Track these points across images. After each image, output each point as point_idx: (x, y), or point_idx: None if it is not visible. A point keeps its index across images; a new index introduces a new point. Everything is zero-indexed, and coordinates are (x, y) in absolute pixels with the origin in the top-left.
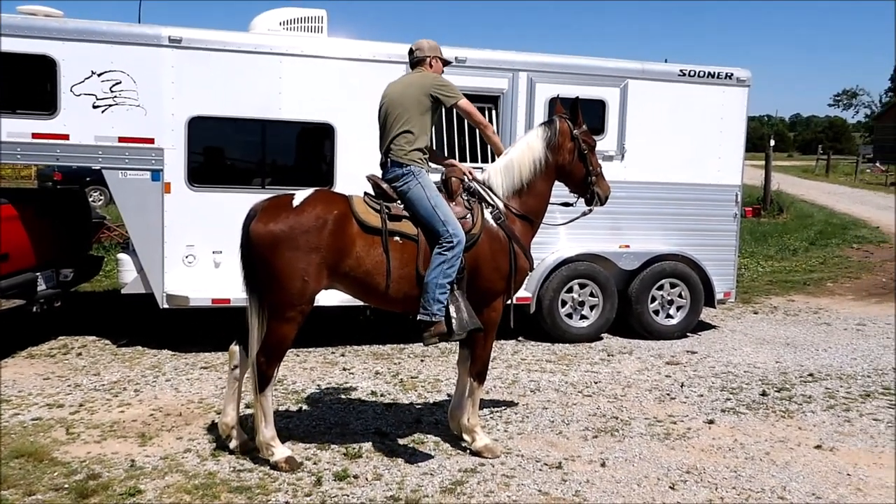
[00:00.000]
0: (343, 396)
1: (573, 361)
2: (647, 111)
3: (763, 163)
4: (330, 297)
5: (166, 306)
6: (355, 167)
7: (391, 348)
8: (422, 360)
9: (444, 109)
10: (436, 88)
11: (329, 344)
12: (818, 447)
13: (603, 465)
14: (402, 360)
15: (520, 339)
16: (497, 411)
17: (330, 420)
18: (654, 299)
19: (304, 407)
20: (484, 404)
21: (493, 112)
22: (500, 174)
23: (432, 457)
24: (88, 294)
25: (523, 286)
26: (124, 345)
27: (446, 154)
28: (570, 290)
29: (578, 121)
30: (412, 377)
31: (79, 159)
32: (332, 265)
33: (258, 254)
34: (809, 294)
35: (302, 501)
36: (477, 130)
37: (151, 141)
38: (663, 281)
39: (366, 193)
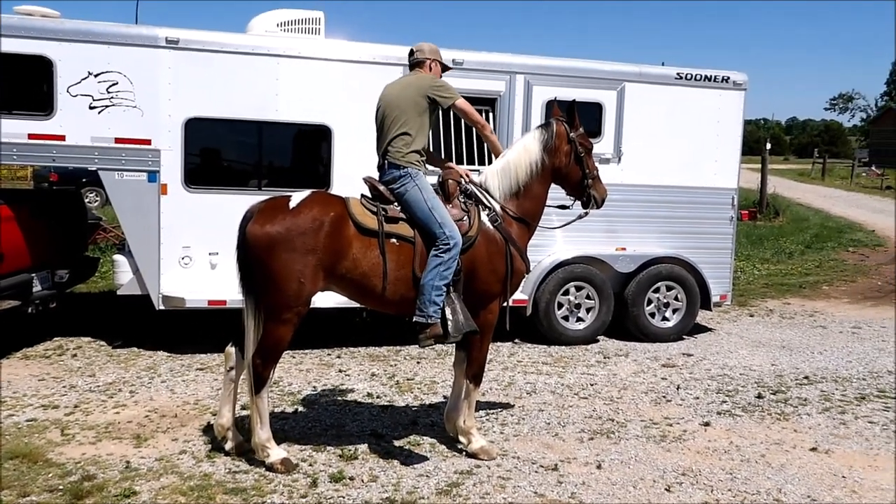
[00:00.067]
0: (339, 398)
1: (569, 364)
2: (644, 114)
3: (759, 166)
4: (326, 299)
5: (162, 308)
6: (352, 169)
7: (387, 350)
8: (418, 362)
9: (441, 111)
10: (433, 90)
11: (325, 346)
12: (814, 449)
13: (599, 467)
14: (399, 362)
15: (516, 341)
16: (493, 413)
17: (326, 422)
18: (650, 302)
19: (300, 408)
20: (480, 406)
21: (490, 114)
22: (496, 176)
23: (428, 459)
24: (84, 295)
25: (520, 288)
26: (120, 346)
27: (443, 156)
28: (566, 293)
29: (575, 123)
30: (408, 379)
31: (75, 160)
32: (329, 267)
33: (254, 255)
34: (805, 297)
35: (298, 503)
36: (474, 132)
37: (148, 142)
38: (659, 284)
39: (362, 195)
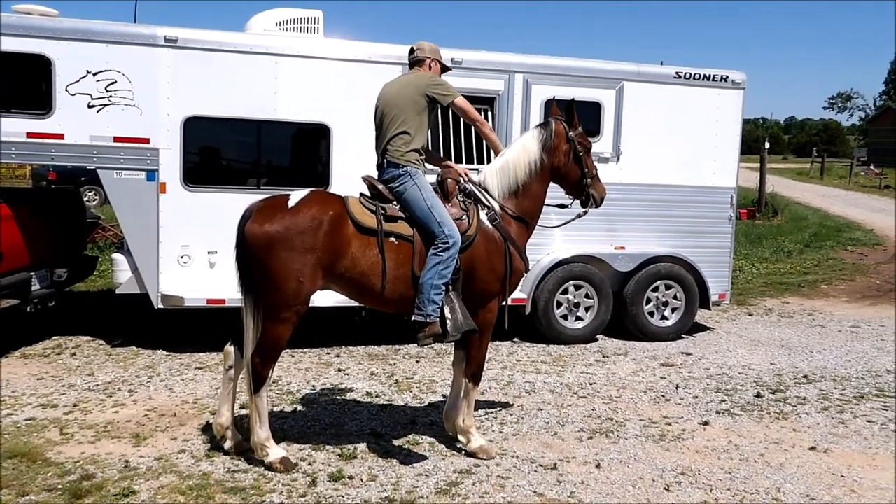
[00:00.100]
0: (338, 397)
1: (568, 363)
2: (643, 113)
3: (758, 165)
4: (325, 298)
5: (161, 306)
6: (351, 168)
7: (386, 349)
8: (417, 362)
9: (440, 110)
10: (431, 88)
11: (324, 345)
12: (812, 449)
13: (598, 466)
14: (398, 361)
15: (515, 340)
16: (492, 412)
17: (325, 421)
18: (649, 301)
19: (299, 408)
20: (479, 405)
21: (490, 114)
22: (495, 175)
23: (427, 458)
24: (83, 294)
25: (518, 287)
26: (119, 345)
27: (442, 155)
28: (565, 292)
29: (574, 123)
30: (407, 378)
31: (74, 159)
32: (328, 266)
33: (253, 254)
34: (804, 296)
35: (297, 502)
36: (473, 131)
37: (147, 141)
38: (658, 283)
39: (361, 194)
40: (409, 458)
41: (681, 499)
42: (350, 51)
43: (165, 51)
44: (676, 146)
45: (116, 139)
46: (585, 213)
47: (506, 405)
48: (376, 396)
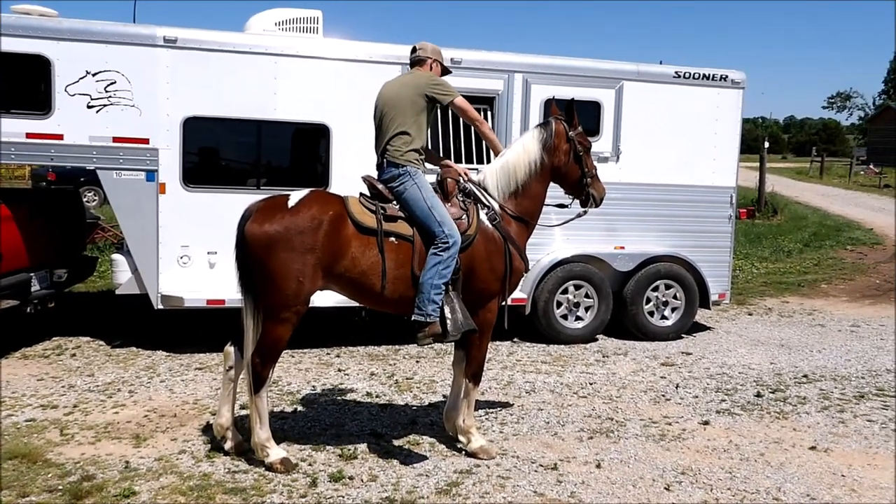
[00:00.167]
0: (338, 397)
1: (568, 363)
2: (643, 113)
3: (757, 165)
4: (325, 298)
5: (161, 307)
6: (351, 168)
7: (386, 349)
8: (417, 362)
9: (440, 110)
10: (431, 87)
11: (324, 345)
12: (813, 448)
13: (598, 466)
14: (398, 361)
15: (515, 340)
16: (492, 412)
17: (325, 421)
18: (648, 300)
19: (300, 408)
20: (479, 405)
21: (489, 113)
22: (495, 175)
23: (427, 458)
24: (82, 295)
25: (518, 287)
26: (118, 346)
27: (442, 155)
28: (565, 292)
29: (574, 122)
30: (407, 378)
31: (73, 159)
32: (328, 266)
33: (253, 254)
34: (804, 295)
35: (297, 503)
36: (473, 131)
37: (146, 141)
38: (658, 282)
39: (361, 194)
40: (409, 458)
41: (681, 498)
42: (349, 51)
43: (165, 51)
44: (676, 146)
45: (116, 139)
46: (585, 212)
47: (506, 405)
48: (376, 396)
